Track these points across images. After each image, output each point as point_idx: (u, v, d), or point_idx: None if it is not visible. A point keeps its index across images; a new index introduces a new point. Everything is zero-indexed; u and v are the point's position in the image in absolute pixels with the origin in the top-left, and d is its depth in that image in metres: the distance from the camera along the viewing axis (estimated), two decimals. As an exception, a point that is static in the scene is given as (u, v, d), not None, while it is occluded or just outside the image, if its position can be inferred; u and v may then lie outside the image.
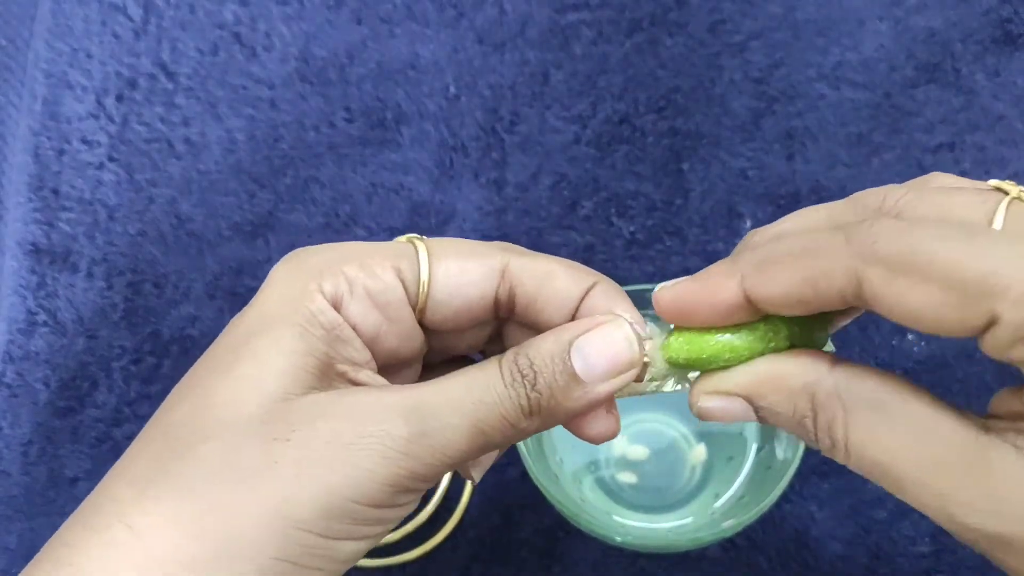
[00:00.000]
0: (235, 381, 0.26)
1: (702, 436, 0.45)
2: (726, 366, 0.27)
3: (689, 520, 0.43)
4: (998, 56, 0.53)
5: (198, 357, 0.28)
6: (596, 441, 0.29)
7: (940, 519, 0.25)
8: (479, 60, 0.55)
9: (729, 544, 0.45)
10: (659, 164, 0.52)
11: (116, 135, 0.54)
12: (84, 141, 0.54)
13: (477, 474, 0.32)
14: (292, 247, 0.31)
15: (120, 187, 0.53)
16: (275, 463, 0.25)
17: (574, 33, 0.55)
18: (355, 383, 0.28)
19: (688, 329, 0.28)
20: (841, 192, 0.51)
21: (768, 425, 0.43)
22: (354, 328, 0.28)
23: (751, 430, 0.44)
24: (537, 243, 0.51)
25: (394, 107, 0.54)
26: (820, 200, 0.51)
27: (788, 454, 0.41)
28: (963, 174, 0.52)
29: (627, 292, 0.30)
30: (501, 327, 0.31)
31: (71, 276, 0.51)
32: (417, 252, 0.29)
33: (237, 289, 0.51)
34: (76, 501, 0.27)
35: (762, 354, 0.27)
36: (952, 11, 0.54)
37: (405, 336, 0.29)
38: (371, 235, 0.52)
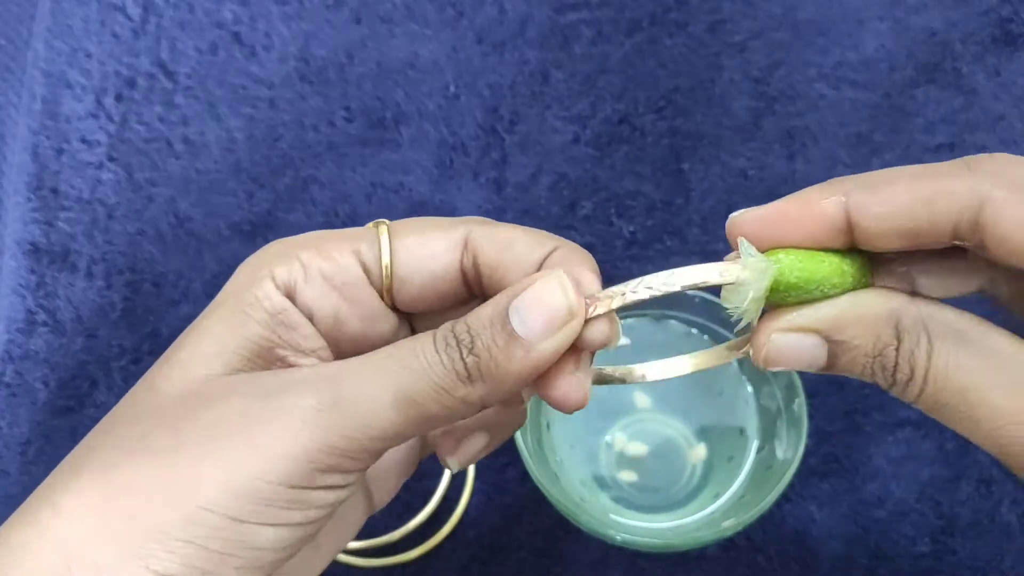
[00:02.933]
0: (170, 367, 0.26)
1: (702, 436, 0.45)
2: (823, 297, 0.25)
3: (689, 520, 0.43)
4: (998, 56, 0.53)
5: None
6: (566, 408, 0.27)
7: (1012, 452, 0.24)
8: (479, 60, 0.55)
9: (729, 544, 0.45)
10: (659, 164, 0.52)
11: (115, 134, 0.54)
12: (83, 140, 0.54)
13: (454, 463, 0.30)
14: (292, 247, 0.31)
15: (119, 186, 0.53)
16: (181, 445, 0.25)
17: (574, 33, 0.55)
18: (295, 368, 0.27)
19: (792, 249, 0.25)
20: (841, 192, 0.51)
21: (778, 407, 0.43)
22: (310, 312, 0.28)
23: (751, 430, 0.44)
24: (537, 243, 0.51)
25: (394, 107, 0.54)
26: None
27: (788, 454, 0.41)
28: (963, 174, 0.52)
29: None
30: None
31: (70, 275, 0.51)
32: (378, 233, 0.28)
33: (236, 289, 0.51)
34: (75, 500, 0.27)
35: (855, 289, 0.25)
36: (952, 11, 0.54)
37: (370, 318, 0.29)
38: (371, 235, 0.52)
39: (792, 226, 0.25)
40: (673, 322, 0.46)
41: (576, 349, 0.26)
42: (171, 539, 0.24)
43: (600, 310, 0.26)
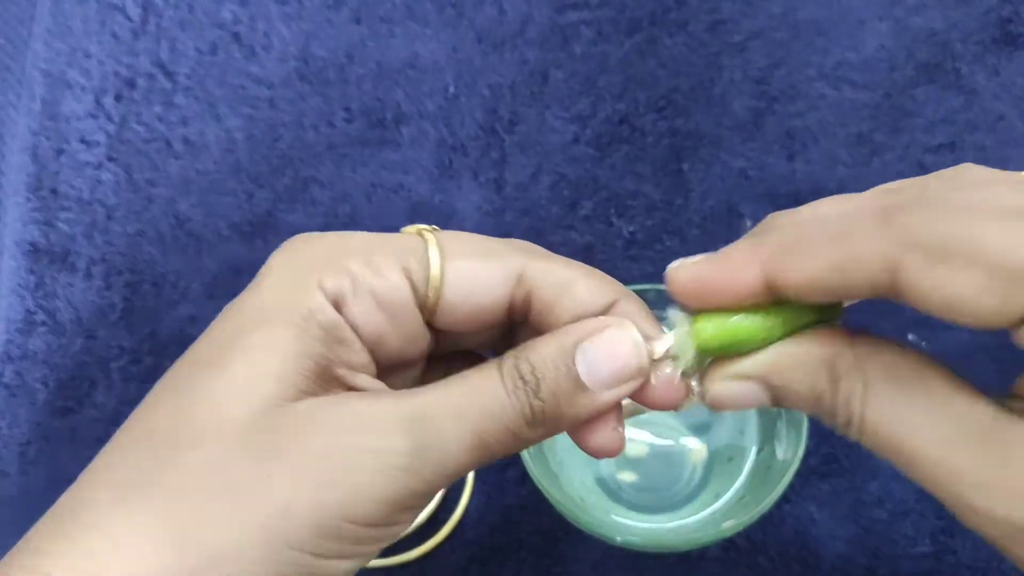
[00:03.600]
0: (225, 382, 0.24)
1: (702, 436, 0.45)
2: (755, 349, 0.26)
3: (689, 520, 0.43)
4: (998, 56, 0.53)
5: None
6: (599, 455, 0.27)
7: (950, 500, 0.24)
8: (479, 60, 0.55)
9: (729, 544, 0.45)
10: (659, 164, 0.52)
11: (115, 135, 0.54)
12: (83, 141, 0.54)
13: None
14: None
15: (119, 187, 0.53)
16: (267, 477, 0.23)
17: (574, 33, 0.55)
18: (351, 388, 0.26)
19: (714, 313, 0.26)
20: (841, 192, 0.51)
21: (778, 409, 0.43)
22: (355, 329, 0.26)
23: (751, 430, 0.44)
24: (537, 243, 0.51)
25: (393, 107, 0.54)
26: (820, 200, 0.51)
27: (788, 454, 0.41)
28: (963, 174, 0.52)
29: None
30: (513, 327, 0.30)
31: (70, 276, 0.51)
32: (427, 249, 0.27)
33: (236, 289, 0.50)
34: (75, 501, 0.26)
35: (790, 335, 0.26)
36: (952, 11, 0.54)
37: (410, 338, 0.27)
38: (370, 235, 0.52)
39: (721, 294, 0.26)
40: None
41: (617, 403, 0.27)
42: (251, 575, 0.23)
43: (658, 353, 0.27)
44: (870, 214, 0.24)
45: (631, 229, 0.51)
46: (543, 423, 0.26)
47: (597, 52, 0.54)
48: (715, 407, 0.27)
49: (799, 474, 0.41)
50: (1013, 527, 0.24)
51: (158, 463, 0.24)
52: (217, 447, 0.24)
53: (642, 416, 0.46)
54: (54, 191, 0.53)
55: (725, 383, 0.27)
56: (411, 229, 0.28)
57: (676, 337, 0.27)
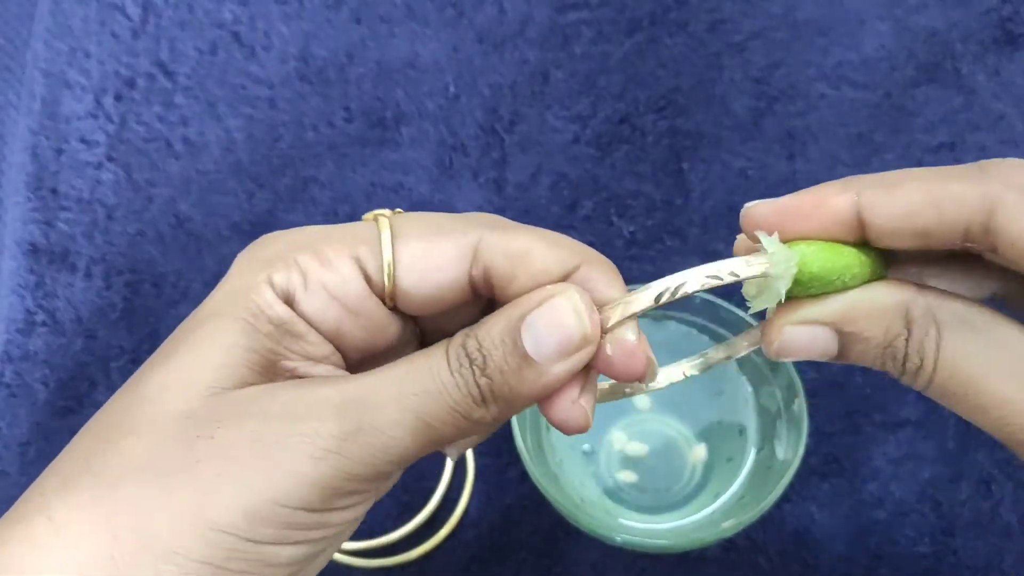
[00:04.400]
0: (167, 373, 0.25)
1: (702, 436, 0.45)
2: (843, 288, 0.25)
3: (689, 520, 0.43)
4: (998, 56, 0.53)
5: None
6: (565, 431, 0.26)
7: (1020, 437, 0.25)
8: (479, 60, 0.55)
9: (729, 544, 0.45)
10: (659, 164, 0.52)
11: (115, 135, 0.54)
12: (83, 140, 0.54)
13: (452, 453, 0.29)
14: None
15: (119, 187, 0.53)
16: (196, 462, 0.23)
17: (574, 33, 0.55)
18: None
19: (811, 241, 0.25)
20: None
21: (778, 408, 0.43)
22: (310, 322, 0.26)
23: (751, 430, 0.44)
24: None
25: (393, 107, 0.54)
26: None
27: (788, 454, 0.41)
28: (963, 174, 0.52)
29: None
30: (492, 303, 0.28)
31: (70, 276, 0.51)
32: (380, 234, 0.26)
33: (236, 289, 0.51)
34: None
35: (867, 282, 0.26)
36: (952, 11, 0.54)
37: (373, 328, 0.27)
38: (370, 235, 0.52)
39: (805, 220, 0.25)
40: (672, 323, 0.45)
41: (585, 371, 0.26)
42: (187, 560, 0.23)
43: (615, 319, 0.25)
44: (966, 167, 0.24)
45: (631, 229, 0.51)
46: (493, 401, 0.25)
47: (597, 52, 0.54)
48: (781, 355, 0.26)
49: (799, 474, 0.41)
50: None
51: (97, 452, 0.24)
52: (151, 435, 0.24)
53: (642, 416, 0.46)
54: (54, 191, 0.53)
55: (797, 328, 0.26)
56: (369, 215, 0.27)
57: (776, 262, 0.25)
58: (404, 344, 0.29)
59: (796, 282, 0.25)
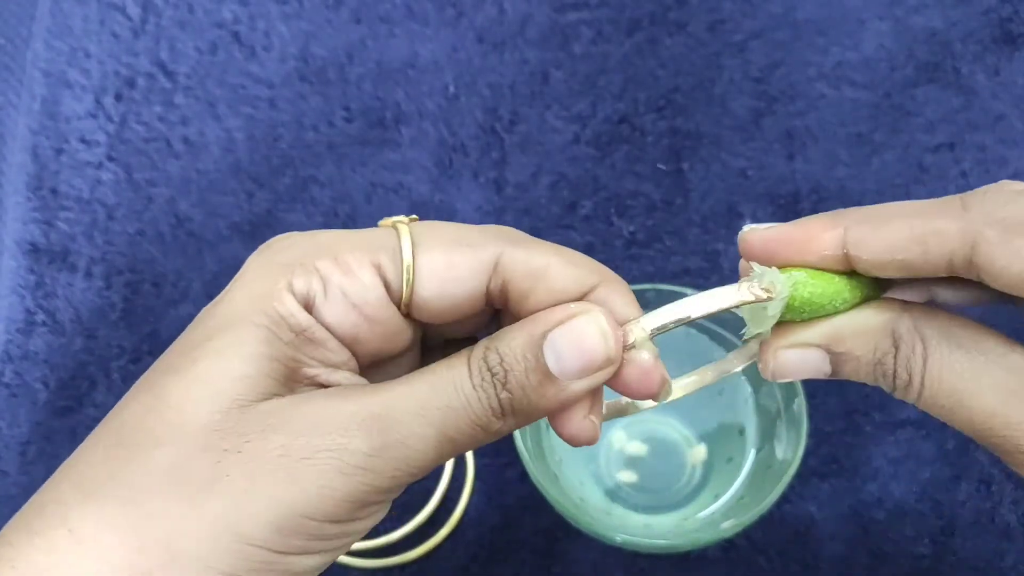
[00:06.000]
0: (190, 383, 0.25)
1: (702, 436, 0.45)
2: (835, 312, 0.27)
3: (689, 521, 0.43)
4: (998, 56, 0.53)
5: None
6: (574, 444, 0.27)
7: (1007, 447, 0.25)
8: (479, 60, 0.55)
9: (729, 544, 0.45)
10: (659, 164, 0.52)
11: (115, 134, 0.54)
12: (83, 140, 0.54)
13: None
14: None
15: (119, 186, 0.53)
16: (225, 476, 0.24)
17: (574, 33, 0.55)
18: (326, 386, 0.26)
19: (801, 269, 0.27)
20: (841, 192, 0.51)
21: (778, 408, 0.43)
22: (329, 329, 0.26)
23: (751, 430, 0.44)
24: (537, 243, 0.51)
25: (393, 106, 0.54)
26: (820, 200, 0.51)
27: (788, 454, 0.41)
28: (963, 174, 0.52)
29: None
30: (500, 312, 0.29)
31: (70, 276, 0.51)
32: (400, 242, 0.27)
33: (236, 289, 0.51)
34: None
35: (857, 305, 0.27)
36: (952, 11, 0.54)
37: (390, 334, 0.27)
38: (370, 235, 0.52)
39: (797, 252, 0.27)
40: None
41: (596, 390, 0.26)
42: (210, 571, 0.23)
43: (631, 338, 0.26)
44: (949, 201, 0.25)
45: (631, 229, 0.51)
46: (512, 414, 0.26)
47: (597, 52, 0.54)
48: (776, 377, 0.28)
49: (799, 474, 0.41)
50: None
51: (121, 463, 0.24)
52: (178, 447, 0.24)
53: (642, 416, 0.46)
54: (54, 191, 0.53)
55: (789, 352, 0.27)
56: (387, 222, 0.28)
57: (766, 286, 0.26)
58: (412, 348, 0.29)
59: (789, 307, 0.26)
